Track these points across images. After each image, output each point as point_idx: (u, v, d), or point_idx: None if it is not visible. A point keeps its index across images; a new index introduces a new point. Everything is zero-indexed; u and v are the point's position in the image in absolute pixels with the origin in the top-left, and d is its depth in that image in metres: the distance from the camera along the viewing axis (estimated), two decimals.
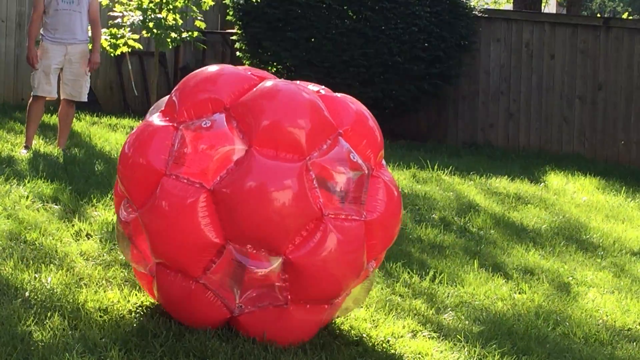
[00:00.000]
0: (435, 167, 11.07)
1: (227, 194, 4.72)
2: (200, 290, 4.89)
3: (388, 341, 5.41)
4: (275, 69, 15.01)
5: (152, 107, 5.35)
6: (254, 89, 4.96)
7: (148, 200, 4.87)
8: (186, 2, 12.85)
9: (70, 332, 4.87)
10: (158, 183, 4.83)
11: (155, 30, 12.56)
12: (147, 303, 5.38)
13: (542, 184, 11.24)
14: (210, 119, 4.86)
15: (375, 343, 5.39)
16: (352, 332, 5.49)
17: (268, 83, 5.02)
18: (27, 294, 5.26)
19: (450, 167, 11.14)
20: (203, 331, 4.93)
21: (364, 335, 5.48)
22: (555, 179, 11.67)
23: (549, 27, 14.68)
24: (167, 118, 5.01)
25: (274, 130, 4.78)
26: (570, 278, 7.19)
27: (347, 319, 5.66)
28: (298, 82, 5.23)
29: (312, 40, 14.59)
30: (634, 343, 5.92)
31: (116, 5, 12.80)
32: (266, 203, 4.69)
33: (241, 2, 14.85)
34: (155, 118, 5.08)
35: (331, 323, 5.57)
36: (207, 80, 5.07)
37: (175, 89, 5.12)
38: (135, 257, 5.18)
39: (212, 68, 5.22)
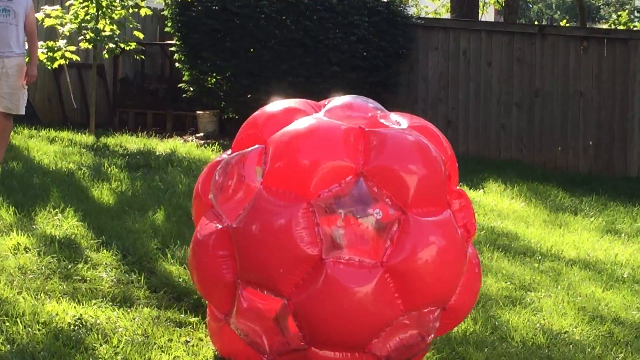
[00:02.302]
0: None
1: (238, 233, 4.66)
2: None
3: None
4: (214, 79, 15.01)
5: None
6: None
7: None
8: (124, 12, 12.81)
9: (7, 345, 4.84)
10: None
11: (89, 44, 12.50)
12: (86, 316, 5.36)
13: (481, 190, 11.34)
14: None
15: None
16: None
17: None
18: None
19: None
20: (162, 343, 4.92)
21: None
22: (494, 185, 11.79)
23: (486, 35, 14.82)
24: None
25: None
26: (509, 283, 7.27)
27: None
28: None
29: (252, 50, 14.62)
30: (570, 346, 6.00)
31: (53, 18, 12.72)
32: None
33: (179, 13, 14.82)
34: None
35: None
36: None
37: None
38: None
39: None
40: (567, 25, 27.46)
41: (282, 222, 4.51)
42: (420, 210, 4.62)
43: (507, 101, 14.57)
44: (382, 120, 4.87)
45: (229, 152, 5.12)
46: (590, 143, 13.97)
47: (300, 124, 4.76)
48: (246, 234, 4.59)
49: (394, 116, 5.07)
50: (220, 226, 4.75)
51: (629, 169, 13.73)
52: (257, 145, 4.84)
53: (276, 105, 5.11)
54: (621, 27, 21.01)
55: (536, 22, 34.65)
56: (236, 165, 4.83)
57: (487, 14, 28.31)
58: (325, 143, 4.65)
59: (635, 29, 20.28)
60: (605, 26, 25.99)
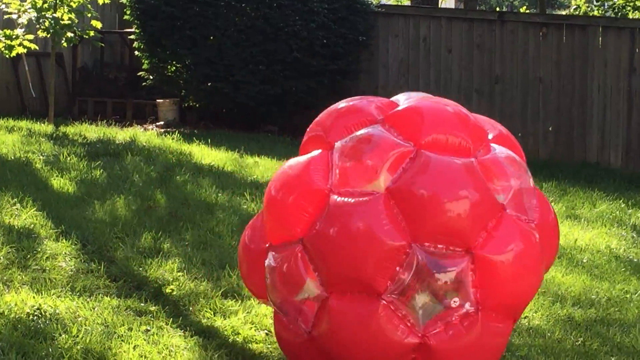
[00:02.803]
0: None
1: (407, 192, 4.50)
2: (386, 313, 4.49)
3: None
4: (174, 68, 14.95)
5: None
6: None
7: (315, 224, 4.60)
8: (82, 1, 12.70)
9: None
10: (325, 202, 4.60)
11: (47, 33, 12.41)
12: (45, 306, 5.32)
13: None
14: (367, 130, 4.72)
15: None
16: (254, 328, 5.51)
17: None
18: None
19: None
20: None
21: (265, 331, 5.50)
22: None
23: (446, 22, 14.85)
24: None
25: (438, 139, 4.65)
26: None
27: (249, 315, 5.68)
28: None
29: (211, 38, 14.56)
30: (530, 331, 6.03)
31: (11, 5, 12.60)
32: (451, 198, 4.47)
33: (138, 0, 14.74)
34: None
35: (235, 321, 5.59)
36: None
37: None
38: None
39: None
40: (527, 11, 27.58)
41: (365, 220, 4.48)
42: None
43: (468, 88, 14.62)
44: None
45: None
46: (550, 129, 14.03)
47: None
48: (330, 238, 4.52)
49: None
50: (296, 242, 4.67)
51: (588, 154, 13.82)
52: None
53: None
54: (580, 14, 21.14)
55: (497, 9, 34.79)
56: None
57: (447, 1, 28.38)
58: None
59: (593, 15, 20.39)
60: (564, 12, 26.11)
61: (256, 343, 5.34)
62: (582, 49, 13.74)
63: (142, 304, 5.69)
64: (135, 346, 5.05)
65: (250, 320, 5.63)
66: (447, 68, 14.73)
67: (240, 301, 5.96)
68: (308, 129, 5.06)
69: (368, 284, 4.44)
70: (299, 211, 4.63)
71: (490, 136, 4.88)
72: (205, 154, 10.78)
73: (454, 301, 4.46)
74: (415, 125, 4.65)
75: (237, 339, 5.36)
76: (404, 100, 4.98)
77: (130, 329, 5.26)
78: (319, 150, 4.79)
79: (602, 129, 13.41)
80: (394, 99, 5.06)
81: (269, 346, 5.30)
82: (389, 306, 4.44)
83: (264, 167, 10.47)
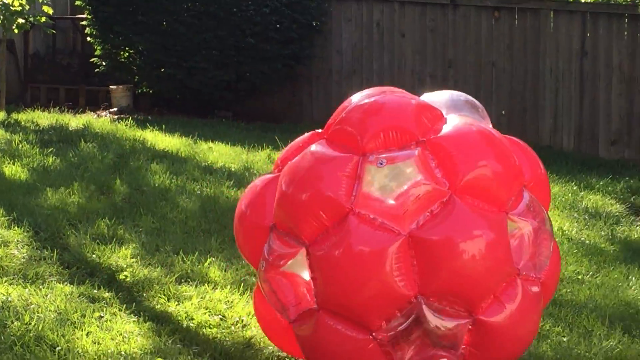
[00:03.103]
0: None
1: (429, 241, 4.33)
2: (374, 347, 4.43)
3: (243, 320, 5.45)
4: (127, 54, 14.87)
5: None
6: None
7: (326, 237, 4.43)
8: None
9: None
10: (342, 219, 4.40)
11: (1, 17, 12.29)
12: None
13: None
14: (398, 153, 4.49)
15: (231, 323, 5.42)
16: (208, 313, 5.52)
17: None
18: None
19: None
20: None
21: (220, 316, 5.51)
22: None
23: (399, 6, 14.86)
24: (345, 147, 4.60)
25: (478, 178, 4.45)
26: None
27: (203, 300, 5.68)
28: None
29: (164, 23, 14.49)
30: None
31: None
32: (468, 262, 4.33)
33: None
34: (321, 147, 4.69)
35: (188, 306, 5.59)
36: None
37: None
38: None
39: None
40: None
41: (354, 246, 4.36)
42: (429, 130, 4.55)
43: (421, 72, 14.65)
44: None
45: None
46: (503, 112, 14.10)
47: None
48: (336, 260, 4.39)
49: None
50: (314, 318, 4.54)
51: (540, 138, 13.89)
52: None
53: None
54: None
55: None
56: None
57: None
58: (318, 172, 4.61)
59: None
60: None
61: (210, 328, 5.34)
62: (534, 33, 13.81)
63: (96, 291, 5.67)
64: (88, 333, 5.04)
65: (205, 306, 5.63)
66: (400, 52, 14.76)
67: (194, 286, 5.96)
68: (334, 118, 4.81)
69: (362, 319, 4.39)
70: (312, 216, 4.45)
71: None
72: (159, 140, 10.74)
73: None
74: (456, 161, 4.43)
75: (191, 324, 5.36)
76: (446, 109, 4.78)
77: (83, 316, 5.25)
78: (348, 154, 4.53)
79: (555, 113, 13.49)
80: (434, 101, 4.86)
81: (223, 331, 5.31)
82: (378, 343, 4.40)
83: (218, 153, 10.45)
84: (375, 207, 4.38)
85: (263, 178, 4.96)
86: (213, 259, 6.47)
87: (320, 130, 4.94)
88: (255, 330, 5.33)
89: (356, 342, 4.40)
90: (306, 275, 4.53)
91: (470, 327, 4.40)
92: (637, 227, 8.77)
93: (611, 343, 5.52)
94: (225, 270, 6.30)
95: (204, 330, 5.31)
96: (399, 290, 4.31)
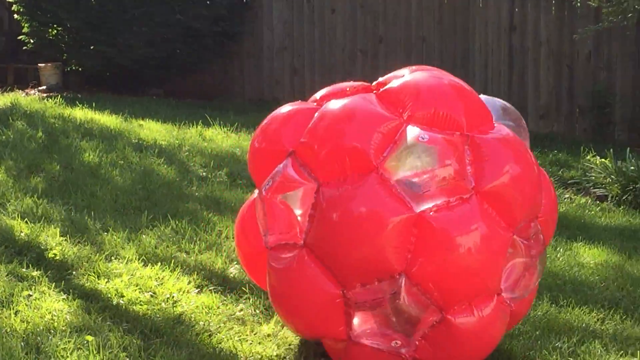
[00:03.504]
0: (222, 124, 11.10)
1: (433, 228, 4.34)
2: (339, 304, 4.48)
3: (174, 297, 5.45)
4: (56, 31, 14.70)
5: None
6: None
7: (341, 184, 4.42)
8: None
9: None
10: (364, 173, 4.40)
11: None
12: None
13: None
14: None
15: (161, 300, 5.42)
16: (138, 290, 5.50)
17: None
18: None
19: (237, 124, 11.19)
20: None
21: (150, 293, 5.50)
22: None
23: None
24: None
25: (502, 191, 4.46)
26: None
27: (133, 277, 5.67)
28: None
29: (93, 0, 14.34)
30: None
31: None
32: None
33: None
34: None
35: (118, 284, 5.57)
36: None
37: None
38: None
39: None
40: None
41: (366, 202, 4.34)
42: (478, 131, 4.55)
43: (352, 48, 14.67)
44: None
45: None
46: None
47: (326, 111, 4.62)
48: (334, 237, 4.39)
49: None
50: (295, 252, 4.53)
51: None
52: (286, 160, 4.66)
53: (278, 116, 4.90)
54: None
55: None
56: (279, 184, 4.61)
57: None
58: (361, 116, 4.56)
59: None
60: None
61: (140, 305, 5.33)
62: (464, 9, 13.89)
63: (24, 270, 5.63)
64: (16, 312, 5.00)
65: (135, 283, 5.62)
66: (331, 28, 14.76)
67: (124, 264, 5.94)
68: (388, 79, 4.82)
69: (341, 273, 4.42)
70: (336, 158, 4.44)
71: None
72: (90, 118, 10.65)
73: (396, 342, 4.51)
74: (489, 167, 4.46)
75: (122, 301, 5.35)
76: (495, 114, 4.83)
77: (11, 295, 5.21)
78: (393, 116, 4.51)
79: (484, 88, 13.57)
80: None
81: (154, 307, 5.30)
82: (344, 301, 4.45)
83: (149, 130, 10.40)
84: (398, 176, 4.40)
85: (297, 105, 4.90)
86: (143, 236, 6.45)
87: (371, 84, 4.90)
88: (185, 307, 5.34)
89: (325, 292, 4.43)
90: (297, 212, 4.54)
91: (435, 322, 4.43)
92: (565, 200, 8.89)
93: (539, 313, 5.60)
94: (156, 247, 6.28)
95: (134, 307, 5.29)
96: (388, 263, 4.32)
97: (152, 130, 10.41)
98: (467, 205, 4.37)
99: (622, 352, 5.05)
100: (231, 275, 5.92)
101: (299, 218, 4.54)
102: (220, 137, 10.42)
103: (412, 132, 4.44)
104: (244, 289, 5.63)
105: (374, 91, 4.77)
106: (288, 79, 15.09)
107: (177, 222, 6.82)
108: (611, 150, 9.73)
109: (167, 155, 9.05)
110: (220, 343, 4.90)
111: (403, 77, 4.77)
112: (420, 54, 14.17)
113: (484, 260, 4.39)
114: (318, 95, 4.95)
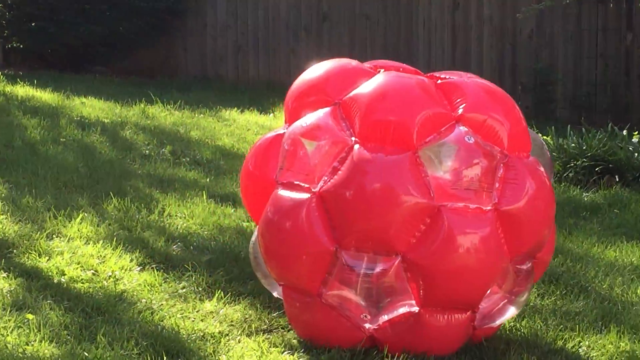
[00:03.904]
0: (165, 102, 11.05)
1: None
2: (326, 310, 4.58)
3: (116, 275, 5.43)
4: None
5: None
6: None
7: (377, 150, 4.48)
8: None
9: None
10: (404, 149, 4.45)
11: None
12: None
13: (272, 114, 11.43)
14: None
15: (103, 278, 5.40)
16: (80, 269, 5.48)
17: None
18: None
19: (180, 102, 11.14)
20: None
21: (92, 271, 5.47)
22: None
23: None
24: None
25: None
26: None
27: (74, 256, 5.63)
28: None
29: None
30: None
31: None
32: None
33: None
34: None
35: (60, 262, 5.53)
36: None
37: None
38: None
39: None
40: None
41: (392, 175, 4.39)
42: (515, 155, 4.62)
43: (296, 26, 14.64)
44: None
45: (285, 125, 4.89)
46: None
47: (383, 78, 4.65)
48: (350, 194, 4.40)
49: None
50: (307, 195, 4.52)
51: None
52: (327, 108, 4.66)
53: (329, 67, 4.88)
54: None
55: None
56: (310, 129, 4.63)
57: None
58: (415, 94, 4.58)
59: None
60: None
61: (82, 283, 5.31)
62: None
63: None
64: None
65: (77, 261, 5.59)
66: (275, 6, 14.71)
67: (66, 242, 5.90)
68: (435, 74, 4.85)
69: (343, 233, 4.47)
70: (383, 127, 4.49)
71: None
72: (31, 95, 10.56)
73: (365, 315, 4.56)
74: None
75: (63, 280, 5.32)
76: None
77: None
78: (441, 108, 4.59)
79: (428, 65, 13.61)
80: None
81: (95, 285, 5.28)
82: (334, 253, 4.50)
83: (91, 108, 10.34)
84: (431, 166, 4.46)
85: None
86: (85, 214, 6.41)
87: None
88: (128, 285, 5.32)
89: (319, 243, 4.48)
90: (320, 160, 4.57)
91: (409, 312, 4.52)
92: None
93: None
94: (98, 226, 6.25)
95: (75, 285, 5.27)
96: (391, 240, 4.40)
97: (95, 108, 10.35)
98: (483, 217, 4.45)
99: (561, 326, 5.11)
100: (174, 253, 5.91)
101: (320, 166, 4.55)
102: (164, 115, 10.38)
103: (459, 130, 4.51)
104: (186, 266, 5.62)
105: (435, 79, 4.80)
106: (232, 57, 15.04)
107: (119, 200, 6.78)
108: (553, 127, 9.80)
109: (110, 133, 9.00)
110: (162, 320, 4.89)
111: (463, 76, 4.82)
112: (364, 31, 14.18)
113: (476, 275, 4.47)
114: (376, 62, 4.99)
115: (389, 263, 4.44)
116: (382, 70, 4.81)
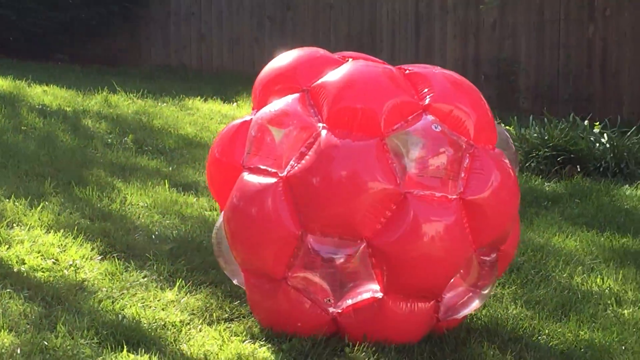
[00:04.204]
0: (128, 90, 10.99)
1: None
2: (290, 293, 4.59)
3: (76, 264, 5.40)
4: None
5: None
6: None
7: (344, 137, 4.50)
8: None
9: None
10: (371, 136, 4.49)
11: None
12: None
13: (235, 103, 11.40)
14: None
15: (64, 267, 5.36)
16: (40, 257, 5.44)
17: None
18: None
19: (143, 90, 11.08)
20: None
21: (52, 260, 5.44)
22: (247, 99, 11.86)
23: None
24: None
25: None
26: None
27: (35, 244, 5.60)
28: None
29: None
30: None
31: None
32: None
33: None
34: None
35: (20, 251, 5.49)
36: None
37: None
38: None
39: None
40: None
41: (359, 161, 4.40)
42: (481, 146, 4.63)
43: (260, 14, 14.61)
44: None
45: (253, 112, 4.89)
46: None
47: (352, 67, 4.68)
48: (317, 179, 4.43)
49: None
50: (273, 179, 4.53)
51: None
52: (296, 94, 4.68)
53: (298, 56, 4.89)
54: None
55: None
56: (278, 115, 4.64)
57: None
58: (383, 82, 4.60)
59: None
60: None
61: (42, 272, 5.28)
62: None
63: None
64: None
65: (37, 250, 5.55)
66: None
67: (26, 231, 5.86)
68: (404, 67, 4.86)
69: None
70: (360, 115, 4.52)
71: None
72: None
73: (329, 300, 4.58)
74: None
75: (23, 269, 5.28)
76: None
77: None
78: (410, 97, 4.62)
79: (392, 55, 13.63)
80: None
81: (56, 274, 5.25)
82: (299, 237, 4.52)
83: (53, 96, 10.26)
84: (398, 153, 4.47)
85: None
86: (46, 203, 6.37)
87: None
88: (89, 273, 5.29)
89: (285, 228, 4.50)
90: (288, 146, 4.58)
91: (372, 298, 4.55)
92: None
93: None
94: (59, 214, 6.21)
95: (36, 274, 5.23)
96: (357, 225, 4.42)
97: (57, 96, 10.28)
98: (449, 206, 4.47)
99: (522, 315, 5.14)
100: (135, 242, 5.88)
101: (287, 151, 4.56)
102: (126, 104, 10.32)
103: (427, 118, 4.53)
104: (148, 255, 5.60)
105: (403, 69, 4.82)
106: (195, 46, 14.98)
107: (81, 188, 6.75)
108: (515, 117, 9.85)
109: (72, 121, 8.95)
110: (123, 309, 4.87)
111: (433, 68, 4.86)
112: (328, 20, 14.18)
113: (440, 263, 4.49)
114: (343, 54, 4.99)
115: (354, 248, 4.47)
116: (350, 59, 4.82)
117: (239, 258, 4.73)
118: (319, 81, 4.66)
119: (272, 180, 4.54)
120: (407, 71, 4.77)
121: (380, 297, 4.54)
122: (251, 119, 4.83)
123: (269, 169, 4.58)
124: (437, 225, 4.45)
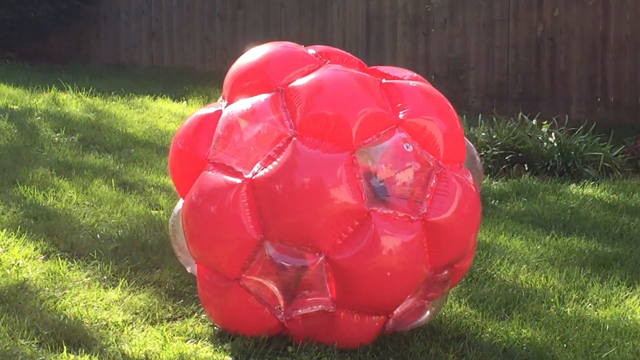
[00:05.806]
0: (77, 89, 10.91)
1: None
2: (242, 294, 4.55)
3: (19, 264, 5.35)
4: None
5: None
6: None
7: (314, 146, 4.42)
8: None
9: None
10: (341, 149, 4.40)
11: None
12: None
13: (185, 102, 11.36)
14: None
15: (6, 266, 5.31)
16: None
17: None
18: None
19: (92, 89, 11.01)
20: None
21: None
22: (197, 97, 11.82)
23: None
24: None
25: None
26: None
27: None
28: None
29: None
30: None
31: None
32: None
33: None
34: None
35: None
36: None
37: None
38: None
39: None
40: None
41: (327, 174, 4.33)
42: (449, 166, 4.58)
43: (211, 12, 14.56)
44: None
45: (222, 101, 4.79)
46: None
47: (331, 73, 4.60)
48: (281, 187, 4.35)
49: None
50: (238, 180, 4.44)
51: None
52: (269, 94, 4.58)
53: (271, 51, 4.79)
54: None
55: None
56: (249, 113, 4.55)
57: None
58: (358, 92, 4.51)
59: None
60: None
61: None
62: None
63: None
64: None
65: None
66: None
67: None
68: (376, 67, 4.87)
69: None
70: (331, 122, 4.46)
71: None
72: None
73: (279, 307, 4.55)
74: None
75: None
76: None
77: None
78: (386, 113, 4.54)
79: None
80: None
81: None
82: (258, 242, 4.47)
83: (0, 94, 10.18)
84: (367, 169, 4.42)
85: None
86: None
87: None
88: (31, 273, 5.24)
89: (244, 231, 4.43)
90: (255, 147, 4.51)
91: (324, 310, 4.52)
92: None
93: None
94: (2, 213, 6.15)
95: None
96: (317, 238, 4.36)
97: (4, 94, 10.19)
98: (410, 226, 4.42)
99: (465, 313, 5.16)
100: (80, 241, 5.84)
101: (255, 153, 4.49)
102: (75, 102, 10.25)
103: (399, 136, 4.47)
104: (92, 255, 5.56)
105: (379, 78, 4.74)
106: (146, 43, 14.91)
107: (25, 187, 6.68)
108: (464, 116, 9.89)
109: (18, 120, 8.86)
110: (65, 309, 4.83)
111: (410, 79, 4.79)
112: (279, 19, 14.16)
113: (395, 283, 4.46)
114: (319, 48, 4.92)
115: (311, 260, 4.42)
116: (327, 61, 4.74)
117: (195, 254, 4.68)
118: (294, 83, 4.56)
119: (237, 180, 4.47)
120: (384, 80, 4.71)
121: (334, 311, 4.52)
122: (216, 110, 4.75)
123: (235, 168, 4.51)
124: (396, 245, 4.40)
